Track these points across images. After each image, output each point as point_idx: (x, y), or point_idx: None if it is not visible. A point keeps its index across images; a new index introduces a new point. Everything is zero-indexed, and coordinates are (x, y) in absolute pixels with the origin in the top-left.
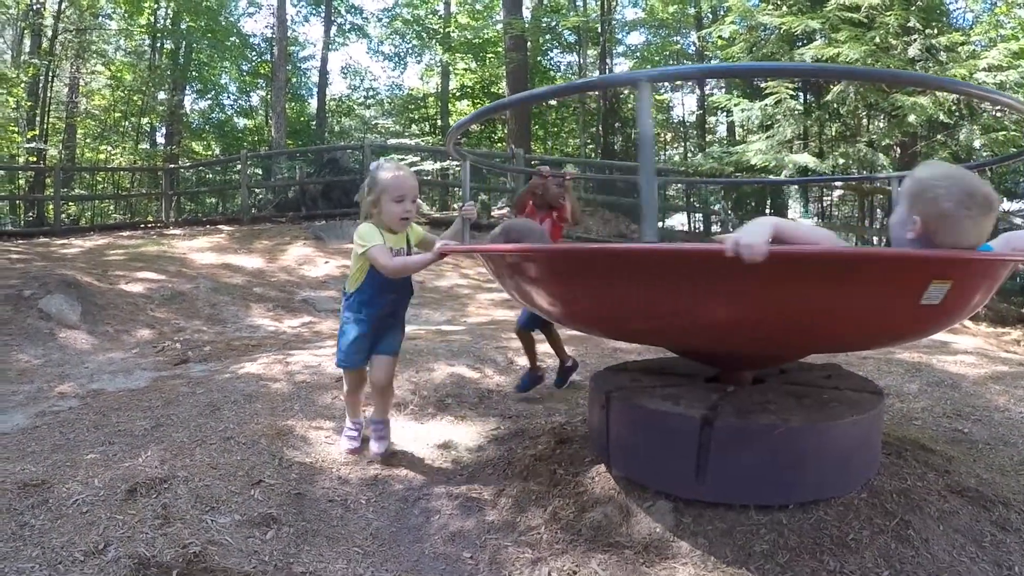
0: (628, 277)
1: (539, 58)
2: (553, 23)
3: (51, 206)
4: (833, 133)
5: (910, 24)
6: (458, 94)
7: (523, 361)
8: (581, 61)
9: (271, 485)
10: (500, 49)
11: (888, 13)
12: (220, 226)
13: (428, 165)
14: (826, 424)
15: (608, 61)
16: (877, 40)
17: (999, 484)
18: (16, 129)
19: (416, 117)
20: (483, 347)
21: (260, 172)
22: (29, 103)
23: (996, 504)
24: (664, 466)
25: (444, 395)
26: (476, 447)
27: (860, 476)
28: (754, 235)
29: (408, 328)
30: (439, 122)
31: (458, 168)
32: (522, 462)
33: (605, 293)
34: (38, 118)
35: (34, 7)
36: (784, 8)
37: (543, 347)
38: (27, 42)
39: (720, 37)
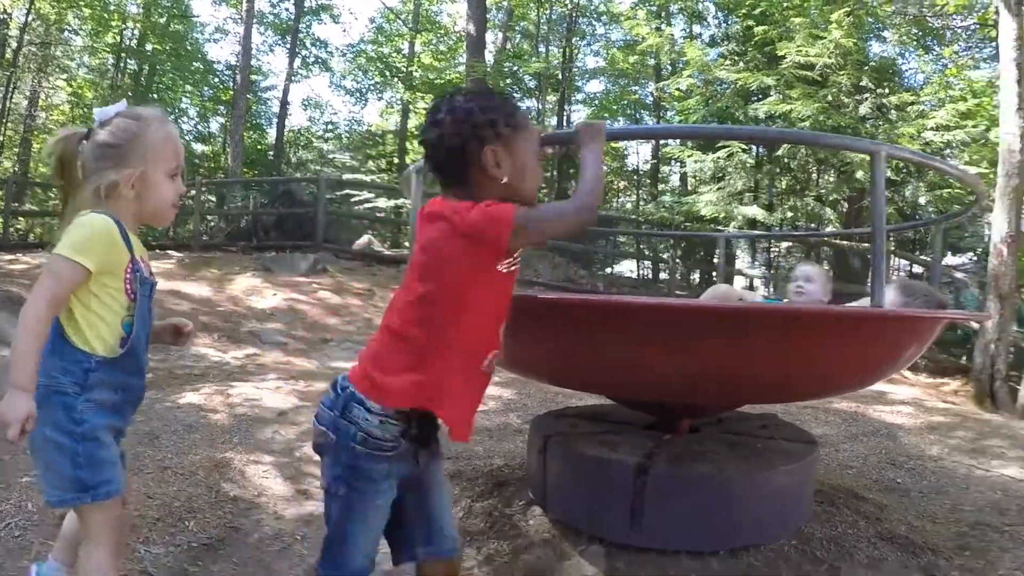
0: (576, 329)
1: None
2: (515, 68)
3: (0, 220)
4: (783, 186)
5: (862, 83)
6: (416, 133)
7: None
8: (540, 106)
9: (207, 518)
10: None
11: (841, 72)
12: (169, 251)
13: (382, 202)
14: (759, 473)
15: (567, 107)
16: (829, 98)
17: (929, 532)
18: None
19: (373, 154)
20: None
21: (214, 199)
22: None
23: (925, 551)
24: (599, 511)
25: None
26: None
27: (791, 524)
28: None
29: (346, 365)
30: (396, 160)
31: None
32: (459, 503)
33: (551, 343)
34: None
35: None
36: (741, 64)
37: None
38: None
39: (678, 89)
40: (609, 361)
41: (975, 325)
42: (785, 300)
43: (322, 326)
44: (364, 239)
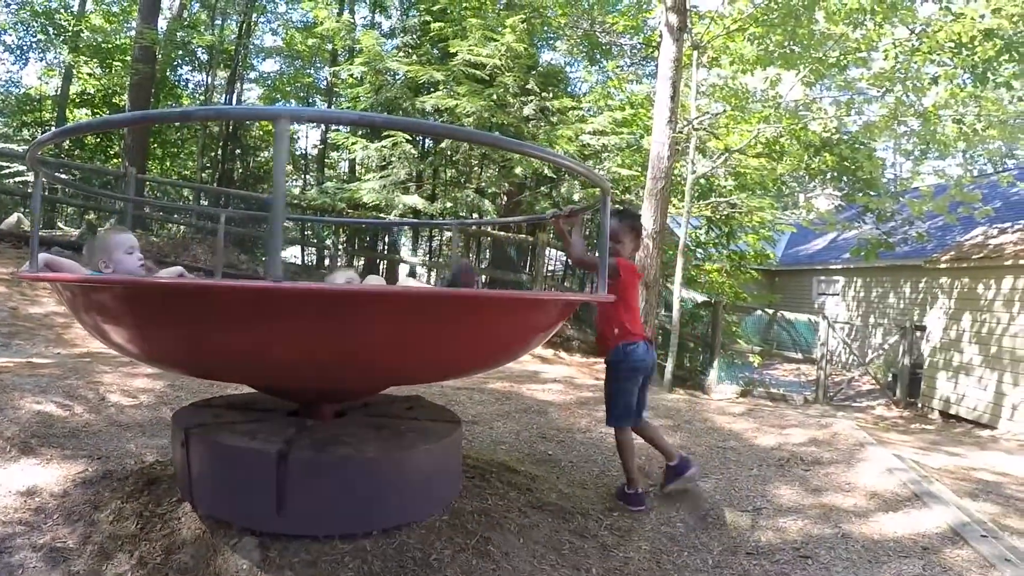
0: (196, 313)
1: (168, 73)
2: (188, 39)
3: None
4: (447, 178)
5: (528, 87)
6: (78, 101)
7: (116, 398)
8: (210, 81)
9: None
10: (129, 58)
11: (509, 74)
12: None
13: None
14: (400, 453)
15: (239, 85)
16: (495, 97)
17: (579, 497)
18: None
19: (29, 120)
20: (74, 382)
21: None
22: None
23: (575, 515)
24: (246, 502)
25: (29, 435)
26: (62, 492)
27: (440, 500)
28: None
29: None
30: (54, 128)
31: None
32: (109, 506)
33: (176, 329)
34: None
35: None
36: (414, 57)
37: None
38: None
39: (351, 76)
40: (195, 345)
41: None
42: (109, 271)
43: None
44: (13, 217)
